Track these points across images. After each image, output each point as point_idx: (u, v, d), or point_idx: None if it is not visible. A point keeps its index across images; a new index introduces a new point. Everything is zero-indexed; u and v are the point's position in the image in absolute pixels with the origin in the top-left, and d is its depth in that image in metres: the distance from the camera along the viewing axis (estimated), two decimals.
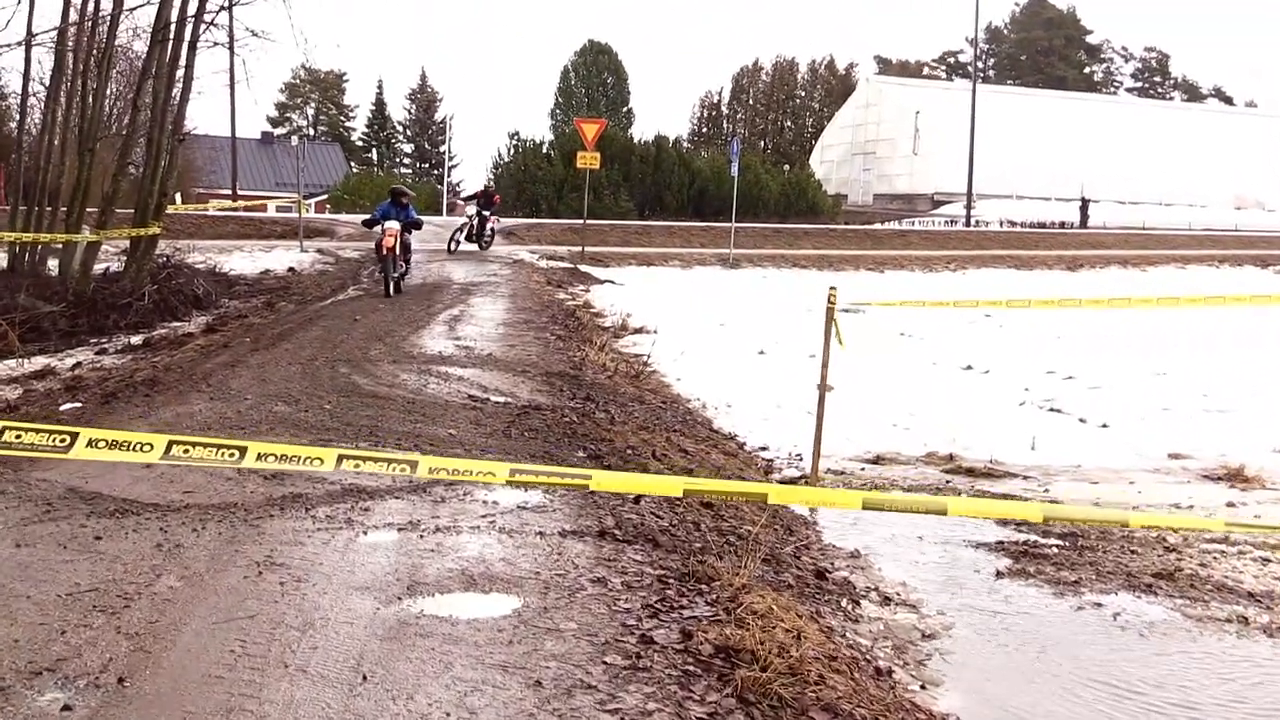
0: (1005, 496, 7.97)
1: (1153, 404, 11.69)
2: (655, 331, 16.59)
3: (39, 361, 12.56)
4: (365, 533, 5.20)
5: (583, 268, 28.31)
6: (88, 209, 18.22)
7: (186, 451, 3.14)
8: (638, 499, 6.01)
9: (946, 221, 58.27)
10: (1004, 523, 7.27)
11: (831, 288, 8.50)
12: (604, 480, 3.30)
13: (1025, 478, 8.76)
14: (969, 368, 14.33)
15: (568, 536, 5.23)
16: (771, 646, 3.85)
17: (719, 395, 11.78)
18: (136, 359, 12.54)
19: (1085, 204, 58.81)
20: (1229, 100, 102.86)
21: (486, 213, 27.95)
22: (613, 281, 25.96)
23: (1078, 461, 9.26)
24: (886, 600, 5.55)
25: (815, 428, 8.39)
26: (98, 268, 18.42)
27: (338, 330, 13.67)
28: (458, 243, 27.29)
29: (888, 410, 11.09)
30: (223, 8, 19.52)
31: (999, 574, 6.11)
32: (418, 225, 20.03)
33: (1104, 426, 10.64)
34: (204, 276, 19.57)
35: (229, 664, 3.67)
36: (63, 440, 3.04)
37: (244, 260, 25.79)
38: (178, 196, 46.52)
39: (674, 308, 20.02)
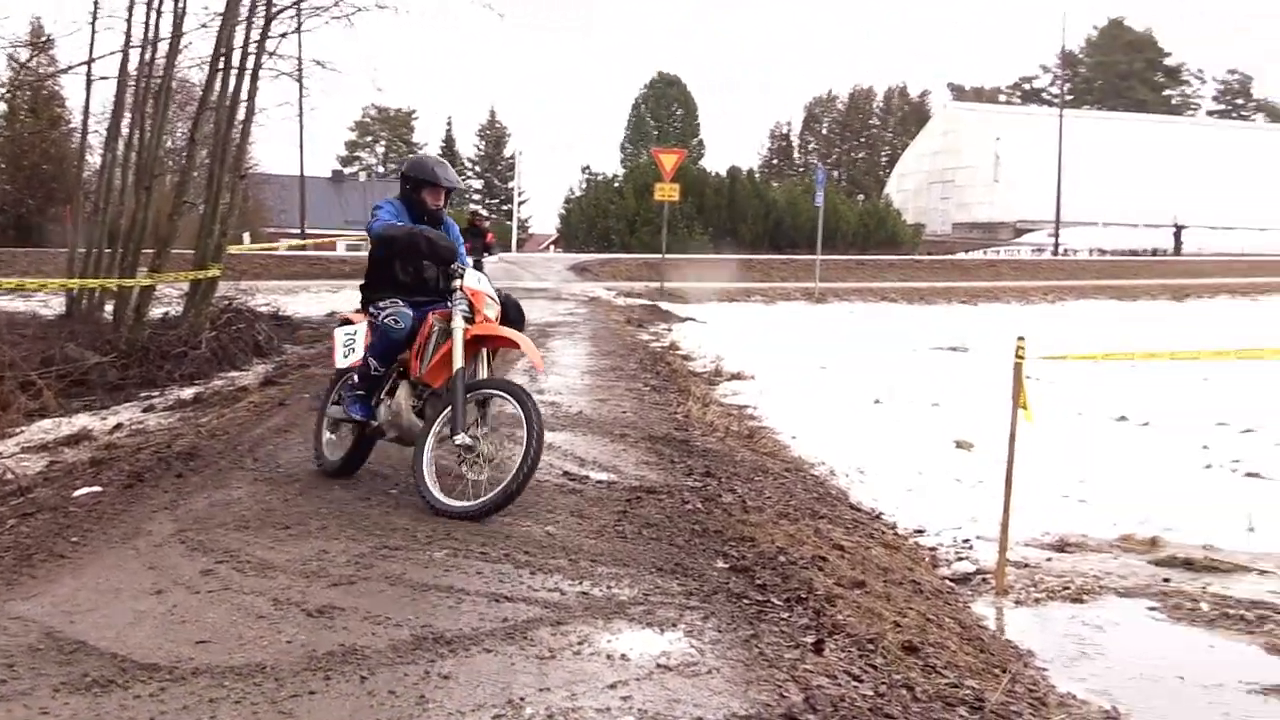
0: (1254, 604, 6.22)
1: None
2: (754, 378, 14.96)
3: (79, 421, 11.24)
4: None
5: (662, 305, 26.80)
6: (144, 250, 17.02)
7: None
8: (819, 646, 4.38)
9: (1034, 250, 56.15)
10: (1278, 649, 5.54)
11: (1020, 338, 6.79)
12: None
13: (1261, 572, 6.98)
14: (1123, 419, 12.53)
15: None
16: None
17: (846, 458, 10.10)
18: (184, 418, 11.17)
19: (1179, 230, 56.34)
20: None
21: (485, 260, 16.98)
22: (694, 319, 24.42)
23: None
24: None
25: (1002, 517, 6.69)
26: (156, 311, 17.20)
27: None
28: None
29: (1051, 476, 9.33)
30: (285, 35, 18.27)
31: None
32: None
33: None
34: (266, 321, 18.28)
35: None
36: None
37: (309, 302, 24.59)
38: (246, 236, 45.84)
39: (766, 349, 18.38)
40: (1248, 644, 5.68)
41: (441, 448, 6.47)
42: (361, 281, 7.28)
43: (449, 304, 6.71)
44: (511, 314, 11.74)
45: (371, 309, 6.96)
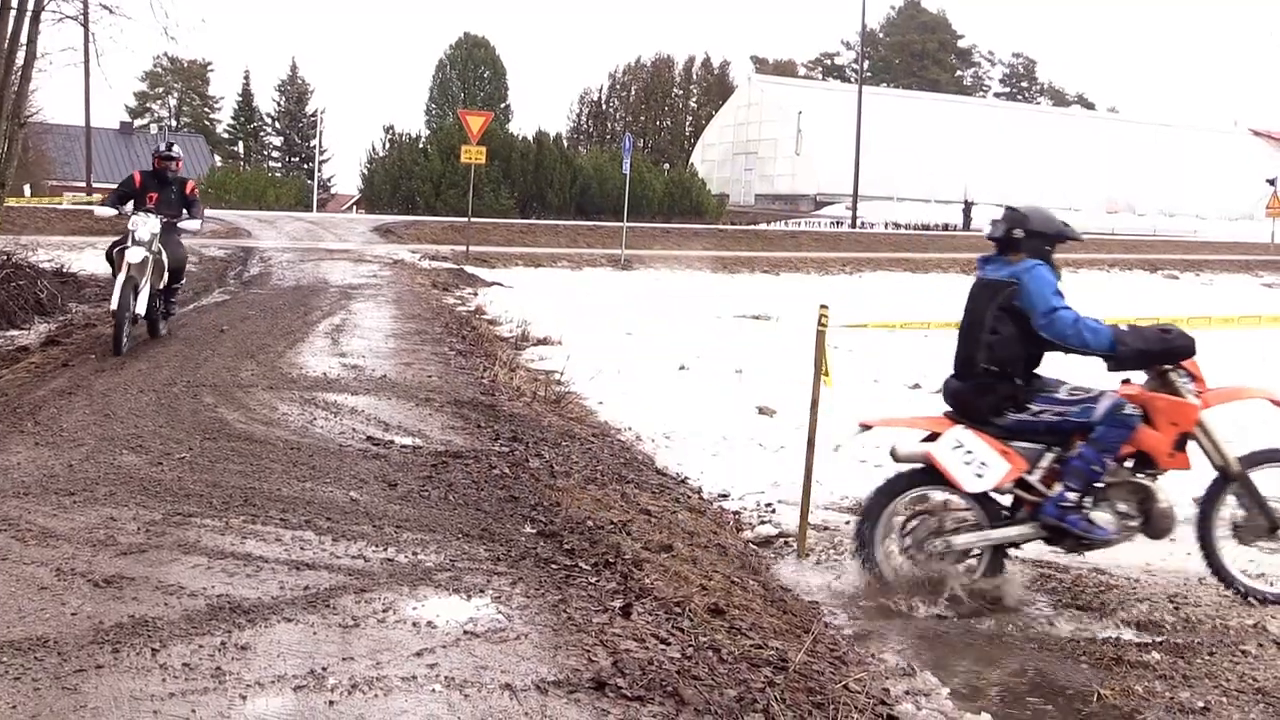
0: (1037, 563, 6.53)
1: None
2: (560, 343, 14.93)
3: None
4: (243, 697, 3.46)
5: (468, 269, 26.48)
6: None
7: None
8: (627, 610, 4.39)
9: (832, 223, 57.53)
10: (1059, 605, 5.82)
11: (823, 306, 6.94)
12: None
13: None
14: (917, 386, 12.96)
15: (550, 691, 3.57)
16: None
17: (652, 424, 10.17)
18: None
19: (969, 207, 58.59)
20: (1091, 106, 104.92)
21: (184, 224, 12.01)
22: (501, 284, 24.23)
23: None
24: None
25: (804, 481, 6.84)
26: None
27: (201, 344, 11.74)
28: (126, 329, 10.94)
29: (849, 442, 9.55)
30: None
31: (1098, 699, 4.63)
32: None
33: None
34: (49, 278, 17.28)
35: None
36: None
37: (97, 259, 23.36)
38: (26, 188, 43.39)
39: (573, 314, 18.34)
40: (1032, 602, 5.95)
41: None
42: (994, 371, 5.94)
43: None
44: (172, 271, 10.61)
45: (1044, 402, 5.96)
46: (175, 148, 12.53)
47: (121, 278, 10.96)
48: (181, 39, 47.36)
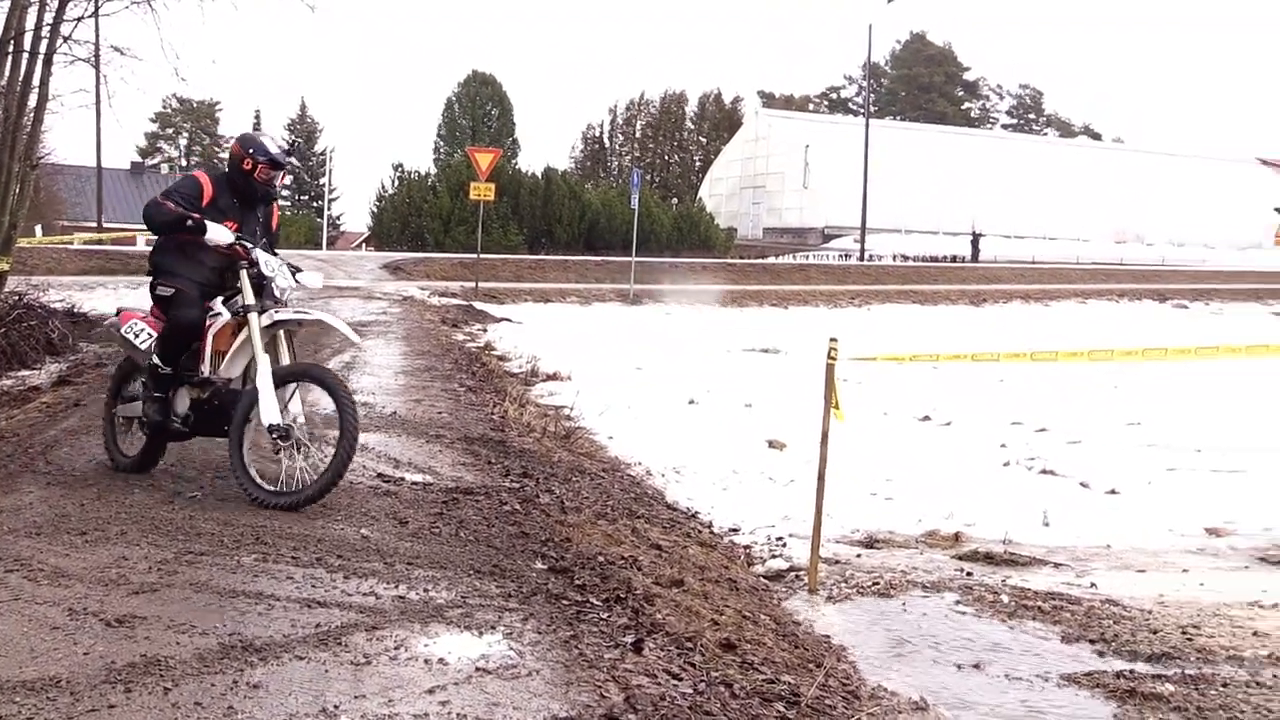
0: (1049, 595, 6.50)
1: (1150, 463, 10.40)
2: (569, 378, 14.96)
3: None
4: None
5: (478, 305, 26.60)
6: None
7: None
8: (638, 645, 4.38)
9: (840, 255, 57.70)
10: (1072, 637, 5.79)
11: (832, 339, 6.94)
12: None
13: (1056, 565, 7.31)
14: (926, 418, 12.96)
15: None
16: None
17: (662, 458, 10.19)
18: None
19: (977, 238, 58.75)
20: (1097, 136, 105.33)
21: (308, 280, 7.54)
22: (510, 320, 24.35)
23: (1105, 540, 7.85)
24: None
25: (814, 515, 6.83)
26: None
27: None
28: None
29: (859, 474, 9.56)
30: (80, 19, 17.39)
31: None
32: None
33: (1112, 493, 9.28)
34: (60, 318, 17.38)
35: None
36: None
37: (108, 299, 23.48)
38: (38, 229, 43.59)
39: (582, 350, 18.41)
40: (1045, 634, 5.92)
41: None
42: None
43: None
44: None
45: None
46: (291, 154, 7.85)
47: (265, 367, 6.64)
48: (192, 79, 47.67)
